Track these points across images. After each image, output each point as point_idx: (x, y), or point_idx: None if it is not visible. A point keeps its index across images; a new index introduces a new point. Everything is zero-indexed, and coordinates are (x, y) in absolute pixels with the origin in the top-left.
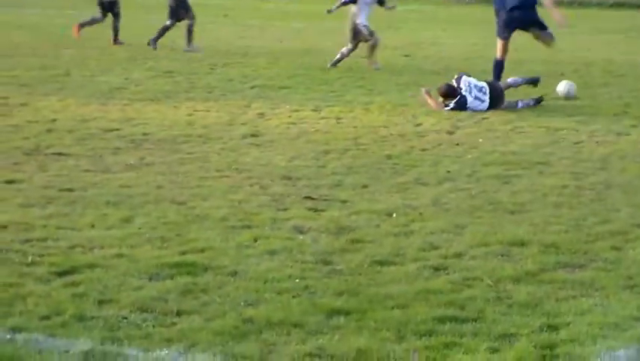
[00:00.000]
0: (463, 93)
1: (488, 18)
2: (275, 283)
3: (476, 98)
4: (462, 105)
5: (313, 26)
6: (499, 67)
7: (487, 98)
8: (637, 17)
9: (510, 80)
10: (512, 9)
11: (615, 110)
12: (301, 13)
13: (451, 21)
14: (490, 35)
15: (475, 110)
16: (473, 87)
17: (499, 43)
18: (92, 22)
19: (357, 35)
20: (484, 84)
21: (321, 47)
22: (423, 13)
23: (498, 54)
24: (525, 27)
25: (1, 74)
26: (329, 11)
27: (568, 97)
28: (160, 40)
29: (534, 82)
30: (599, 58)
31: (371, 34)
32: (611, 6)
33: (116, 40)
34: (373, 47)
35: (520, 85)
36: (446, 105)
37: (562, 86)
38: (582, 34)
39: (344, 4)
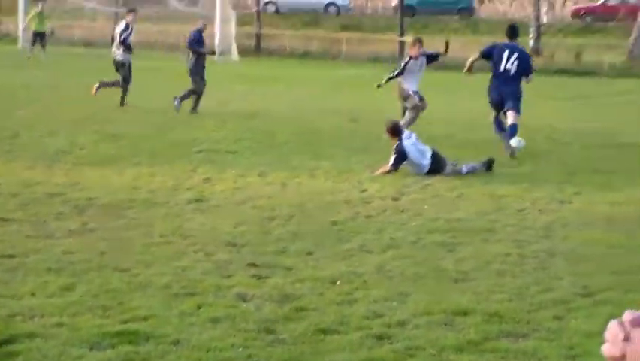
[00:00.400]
0: (403, 138)
1: (432, 82)
2: (217, 353)
3: (414, 145)
4: (401, 152)
5: (260, 90)
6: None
7: (428, 156)
8: (581, 84)
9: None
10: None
11: (558, 177)
12: (248, 77)
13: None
14: (433, 100)
15: (416, 165)
16: (414, 138)
17: None
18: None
19: (407, 100)
20: (427, 147)
21: (267, 110)
22: (370, 78)
23: None
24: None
25: None
26: (379, 86)
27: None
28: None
29: (488, 165)
30: (543, 124)
31: (421, 99)
32: (556, 72)
33: (97, 89)
34: (417, 111)
35: (475, 170)
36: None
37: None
38: (526, 100)
39: (391, 78)
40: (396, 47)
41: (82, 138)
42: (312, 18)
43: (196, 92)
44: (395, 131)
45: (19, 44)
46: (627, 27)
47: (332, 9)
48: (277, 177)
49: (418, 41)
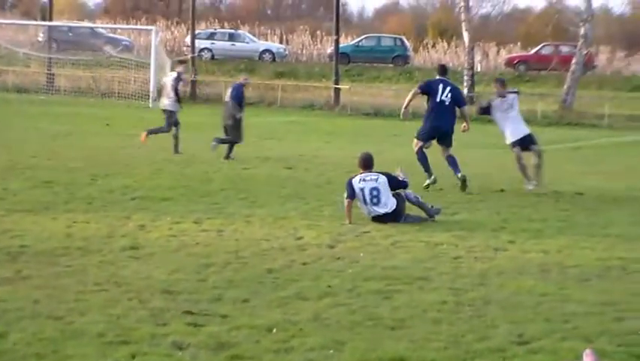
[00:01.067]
0: (359, 175)
1: (370, 130)
2: None
3: (363, 188)
4: (348, 185)
5: (195, 136)
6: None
7: (381, 207)
8: None
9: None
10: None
11: (493, 225)
12: (184, 123)
13: (334, 133)
14: (372, 148)
15: (361, 207)
16: (372, 183)
17: None
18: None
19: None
20: (386, 198)
21: (202, 157)
22: (305, 125)
23: None
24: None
25: None
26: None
27: None
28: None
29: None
30: (477, 172)
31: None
32: (489, 121)
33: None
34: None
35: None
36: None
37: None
38: (459, 148)
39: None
40: (332, 94)
41: (14, 185)
42: (247, 65)
43: (234, 141)
44: (361, 163)
45: None
46: (560, 76)
47: (267, 56)
48: (212, 224)
49: (495, 81)
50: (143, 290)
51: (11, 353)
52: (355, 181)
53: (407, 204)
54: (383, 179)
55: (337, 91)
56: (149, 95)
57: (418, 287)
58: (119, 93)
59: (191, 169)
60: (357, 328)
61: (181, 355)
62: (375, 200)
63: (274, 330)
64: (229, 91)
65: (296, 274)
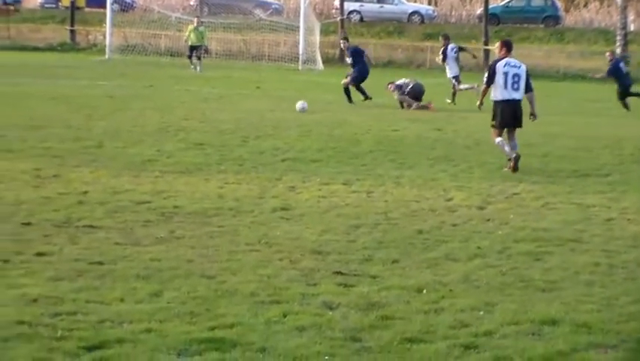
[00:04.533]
0: (502, 60)
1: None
2: (304, 360)
3: (506, 72)
4: (491, 68)
5: (344, 99)
6: None
7: (512, 92)
8: None
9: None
10: None
11: None
12: (332, 86)
13: None
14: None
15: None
16: (512, 73)
17: None
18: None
19: None
20: (523, 86)
21: (351, 119)
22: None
23: None
24: None
25: (33, 145)
26: None
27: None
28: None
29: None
30: (631, 135)
31: None
32: None
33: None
34: None
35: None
36: None
37: (298, 105)
38: (616, 109)
39: None
40: (482, 55)
41: (168, 147)
42: (396, 27)
43: None
44: (502, 44)
45: (107, 55)
46: None
47: (416, 18)
48: (362, 185)
49: None
50: (293, 251)
51: (166, 311)
52: (500, 65)
53: None
54: (524, 68)
55: (487, 52)
56: (298, 58)
57: (570, 249)
58: (269, 56)
59: (339, 131)
60: (508, 289)
61: (332, 314)
62: (515, 86)
63: (424, 291)
64: None
65: (446, 236)
